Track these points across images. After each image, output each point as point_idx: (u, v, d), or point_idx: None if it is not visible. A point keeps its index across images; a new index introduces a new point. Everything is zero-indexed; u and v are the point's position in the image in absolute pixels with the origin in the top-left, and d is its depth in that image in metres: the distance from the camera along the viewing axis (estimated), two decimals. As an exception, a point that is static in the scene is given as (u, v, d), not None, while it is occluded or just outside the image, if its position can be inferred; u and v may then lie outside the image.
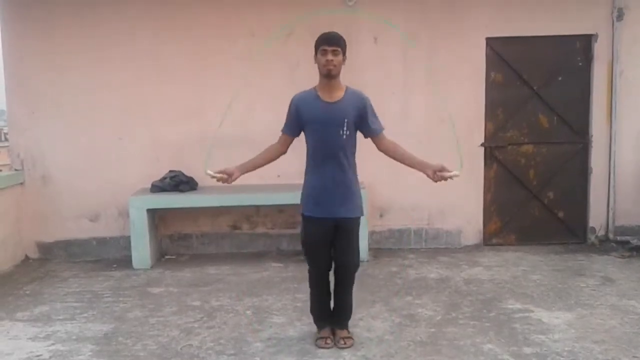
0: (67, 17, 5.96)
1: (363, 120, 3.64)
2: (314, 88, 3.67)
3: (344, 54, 3.56)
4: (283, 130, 3.77)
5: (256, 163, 3.75)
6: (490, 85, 6.11)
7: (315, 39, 3.58)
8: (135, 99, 6.05)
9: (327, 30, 3.60)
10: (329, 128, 3.57)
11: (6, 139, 7.73)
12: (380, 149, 3.75)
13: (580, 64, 6.14)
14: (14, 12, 5.99)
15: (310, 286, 3.88)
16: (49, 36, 5.98)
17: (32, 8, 5.95)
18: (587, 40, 6.10)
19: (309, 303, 3.95)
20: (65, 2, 5.94)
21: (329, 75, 3.53)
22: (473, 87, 6.08)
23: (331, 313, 3.88)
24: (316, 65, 3.59)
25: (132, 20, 5.99)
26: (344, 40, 3.56)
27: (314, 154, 3.66)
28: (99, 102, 6.03)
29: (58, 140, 6.07)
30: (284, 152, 3.81)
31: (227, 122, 6.03)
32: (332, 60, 3.49)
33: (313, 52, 3.60)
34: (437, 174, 3.55)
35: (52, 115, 6.05)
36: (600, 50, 6.07)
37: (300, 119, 3.64)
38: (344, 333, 3.81)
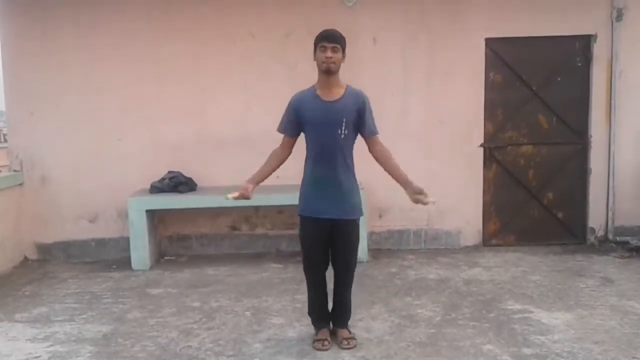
0: (66, 18, 5.96)
1: (361, 119, 3.63)
2: (313, 86, 3.67)
3: (343, 51, 3.56)
4: (283, 132, 3.75)
5: (265, 172, 3.74)
6: (489, 85, 6.11)
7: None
8: (134, 100, 6.05)
9: None
10: (327, 128, 3.57)
11: (5, 140, 7.70)
12: (372, 151, 3.72)
13: (579, 64, 6.14)
14: (12, 13, 5.98)
15: (308, 287, 3.88)
16: (47, 37, 5.97)
17: (31, 9, 5.95)
18: (586, 41, 6.10)
19: (306, 305, 3.96)
20: (64, 2, 5.94)
21: (328, 72, 3.53)
22: (472, 87, 6.08)
23: (330, 313, 3.89)
24: (315, 63, 3.58)
25: (131, 21, 5.98)
26: (344, 38, 3.56)
27: (313, 153, 3.66)
28: (98, 103, 6.03)
29: (57, 141, 6.07)
30: (289, 154, 3.79)
31: (226, 122, 6.09)
32: (331, 57, 3.48)
33: (312, 54, 3.60)
34: (415, 196, 3.53)
35: (51, 116, 6.05)
36: (599, 50, 6.07)
37: (299, 119, 3.64)
38: (345, 333, 3.81)
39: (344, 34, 3.58)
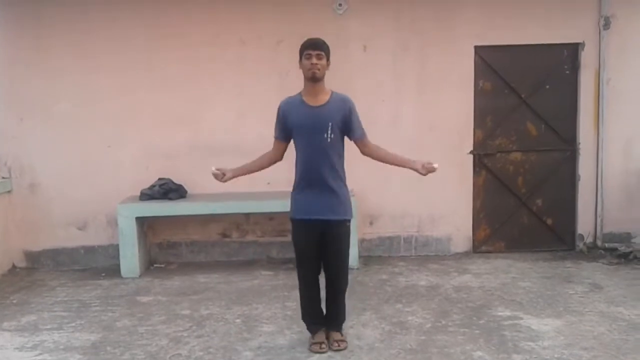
0: (57, 25, 5.92)
1: (347, 124, 3.72)
2: (300, 93, 3.76)
3: (327, 59, 3.67)
4: (275, 136, 3.86)
5: (249, 168, 3.90)
6: (479, 93, 6.14)
7: None
8: (124, 107, 6.02)
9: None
10: (314, 132, 3.65)
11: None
12: (364, 153, 3.85)
13: (567, 72, 6.19)
14: (4, 19, 5.95)
15: (301, 291, 3.90)
16: (38, 43, 5.94)
17: (23, 15, 5.92)
18: (574, 49, 6.16)
19: (299, 311, 3.96)
20: (56, 9, 5.91)
21: (313, 79, 3.63)
22: (462, 95, 6.11)
23: (324, 317, 3.91)
24: (301, 71, 3.69)
25: (123, 28, 5.96)
26: (328, 46, 3.68)
27: (301, 157, 3.73)
28: (88, 110, 6.00)
29: (46, 148, 6.02)
30: (279, 159, 3.90)
31: (218, 129, 6.08)
32: (316, 64, 3.60)
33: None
34: (426, 166, 3.72)
35: (40, 122, 6.01)
36: (587, 58, 6.12)
37: (287, 124, 3.73)
38: (337, 336, 3.84)
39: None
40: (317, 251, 3.76)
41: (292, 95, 3.80)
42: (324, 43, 3.67)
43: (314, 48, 3.62)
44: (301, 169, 3.73)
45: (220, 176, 3.79)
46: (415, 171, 3.77)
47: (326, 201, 3.68)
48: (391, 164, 3.86)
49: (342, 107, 3.70)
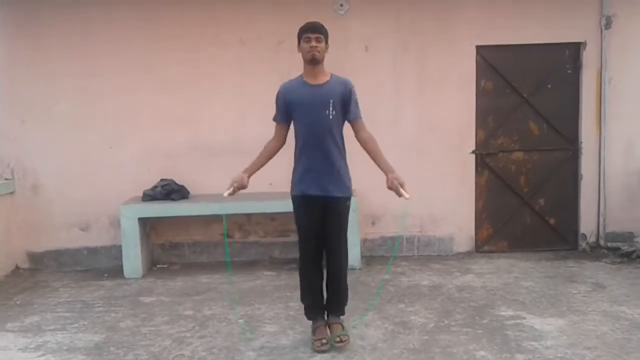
0: (57, 26, 5.94)
1: (346, 105, 3.76)
2: (300, 76, 3.82)
3: (326, 42, 3.75)
4: (276, 119, 3.86)
5: (259, 163, 3.87)
6: (480, 93, 6.14)
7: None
8: (126, 108, 6.03)
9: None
10: (316, 109, 3.69)
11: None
12: (358, 137, 3.82)
13: (569, 71, 6.19)
14: (4, 21, 5.96)
15: (301, 274, 3.92)
16: (39, 44, 5.95)
17: (23, 16, 5.93)
18: (575, 48, 6.15)
19: (302, 311, 3.97)
20: (56, 10, 5.92)
21: (313, 61, 3.69)
22: (464, 94, 6.11)
23: (324, 305, 3.92)
24: (300, 54, 3.74)
25: (123, 29, 5.97)
26: (326, 29, 3.77)
27: (304, 136, 3.75)
28: (90, 111, 6.01)
29: (48, 149, 6.04)
30: (283, 143, 3.90)
31: (218, 129, 6.09)
32: (316, 46, 3.67)
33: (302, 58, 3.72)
34: (394, 182, 3.61)
35: (42, 124, 6.02)
36: (588, 58, 6.12)
37: (288, 103, 3.76)
38: (339, 329, 3.82)
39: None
40: (319, 228, 3.78)
41: (292, 79, 3.85)
42: (323, 26, 3.74)
43: (312, 31, 3.68)
44: (303, 147, 3.75)
45: (240, 186, 3.73)
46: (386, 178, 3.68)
47: (328, 177, 3.72)
48: (373, 160, 3.78)
49: (343, 88, 3.75)
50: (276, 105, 3.85)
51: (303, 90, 3.74)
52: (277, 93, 3.84)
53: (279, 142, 3.88)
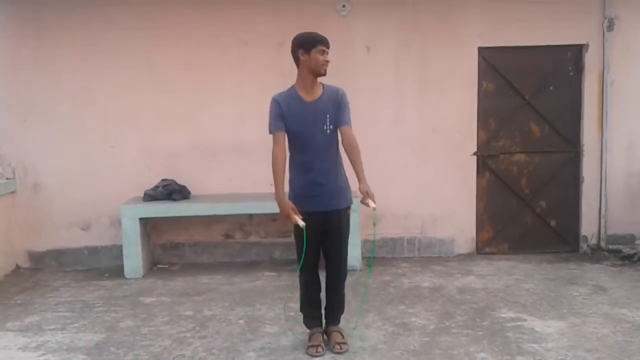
0: (59, 26, 5.94)
1: (337, 111, 3.72)
2: (292, 88, 3.75)
3: None
4: (276, 129, 3.69)
5: (282, 178, 3.71)
6: (482, 94, 6.14)
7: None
8: (127, 107, 6.03)
9: None
10: (313, 126, 3.67)
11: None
12: (343, 142, 3.75)
13: (571, 73, 6.18)
14: (5, 20, 5.97)
15: (301, 284, 3.91)
16: (40, 44, 5.96)
17: (24, 16, 5.94)
18: (578, 50, 6.14)
19: (300, 312, 3.96)
20: (57, 10, 5.93)
21: (320, 74, 3.67)
22: (465, 96, 6.11)
23: (321, 314, 3.92)
24: (303, 63, 3.64)
25: (124, 29, 5.98)
26: None
27: (300, 152, 3.72)
28: (91, 110, 6.02)
29: (50, 149, 6.04)
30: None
31: (219, 130, 6.09)
32: (328, 61, 3.67)
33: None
34: (364, 195, 3.57)
35: (43, 123, 6.02)
36: (591, 60, 6.11)
37: (286, 117, 3.68)
38: (338, 337, 3.83)
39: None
40: (319, 243, 3.79)
41: (284, 90, 3.76)
42: None
43: (327, 45, 3.66)
44: (300, 163, 3.72)
45: (295, 210, 3.62)
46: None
47: (328, 192, 3.71)
48: (352, 164, 3.70)
49: (335, 98, 3.72)
50: (273, 116, 3.71)
51: (300, 109, 3.67)
52: (272, 104, 3.71)
53: (285, 150, 3.76)
